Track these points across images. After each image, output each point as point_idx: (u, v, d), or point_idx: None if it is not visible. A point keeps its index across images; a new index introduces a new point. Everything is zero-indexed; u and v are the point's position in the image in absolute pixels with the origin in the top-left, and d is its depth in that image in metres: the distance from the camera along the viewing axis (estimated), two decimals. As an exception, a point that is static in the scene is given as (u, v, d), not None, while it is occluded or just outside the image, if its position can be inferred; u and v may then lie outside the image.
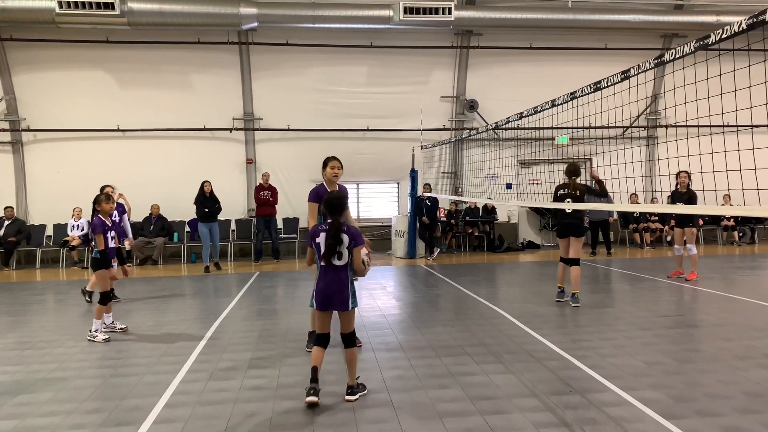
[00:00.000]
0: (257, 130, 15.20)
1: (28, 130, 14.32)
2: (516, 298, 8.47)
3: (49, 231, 14.20)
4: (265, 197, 13.79)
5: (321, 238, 4.29)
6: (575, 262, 7.70)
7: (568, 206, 7.40)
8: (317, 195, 5.39)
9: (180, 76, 14.74)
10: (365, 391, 4.41)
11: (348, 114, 15.38)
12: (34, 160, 14.47)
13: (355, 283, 4.46)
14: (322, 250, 4.26)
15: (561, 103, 7.43)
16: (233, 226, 14.84)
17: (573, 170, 7.71)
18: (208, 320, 7.25)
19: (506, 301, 8.11)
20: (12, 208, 13.80)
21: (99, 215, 6.56)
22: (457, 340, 5.97)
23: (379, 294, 8.99)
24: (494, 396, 4.30)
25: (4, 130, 14.17)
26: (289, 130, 15.20)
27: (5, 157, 14.34)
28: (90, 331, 6.38)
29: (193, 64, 14.71)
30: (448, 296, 8.78)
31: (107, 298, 6.47)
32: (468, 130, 14.75)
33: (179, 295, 9.38)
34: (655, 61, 5.40)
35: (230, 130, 15.03)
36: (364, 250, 4.40)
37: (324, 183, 5.61)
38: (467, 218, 15.72)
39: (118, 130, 14.44)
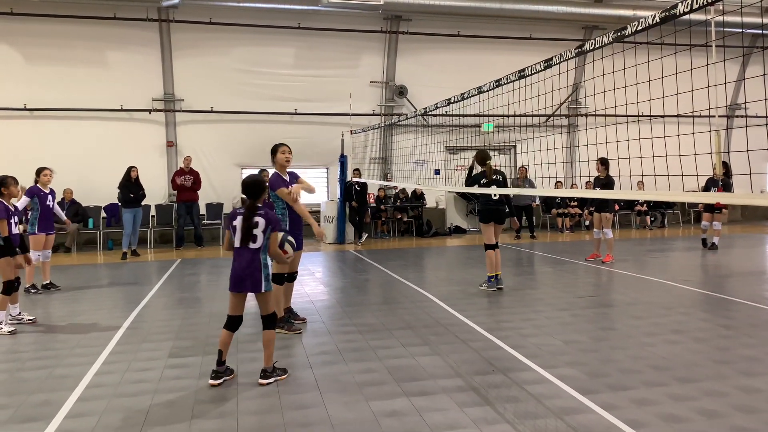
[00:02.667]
0: (178, 111, 14.60)
1: None
2: (443, 281, 8.61)
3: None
4: (183, 182, 13.28)
5: (237, 221, 4.30)
6: (495, 246, 7.74)
7: (495, 191, 7.45)
8: (283, 181, 5.67)
9: (95, 53, 13.89)
10: (284, 375, 4.38)
11: (275, 96, 15.04)
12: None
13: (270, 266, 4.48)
14: (238, 233, 4.28)
15: (487, 90, 7.55)
16: (153, 212, 14.22)
17: (485, 156, 7.69)
18: (127, 309, 6.93)
19: (433, 285, 8.23)
20: None
21: (2, 200, 6.10)
22: (385, 324, 6.00)
23: (308, 280, 8.90)
24: (420, 377, 4.35)
25: None
26: (212, 112, 14.70)
27: None
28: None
29: (108, 40, 13.89)
30: (377, 281, 8.81)
31: (11, 287, 6.03)
32: (397, 116, 14.80)
33: (95, 284, 8.90)
34: (576, 50, 5.58)
35: (149, 111, 14.36)
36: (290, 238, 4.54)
37: (276, 170, 5.76)
38: (397, 203, 15.82)
39: (25, 109, 13.46)
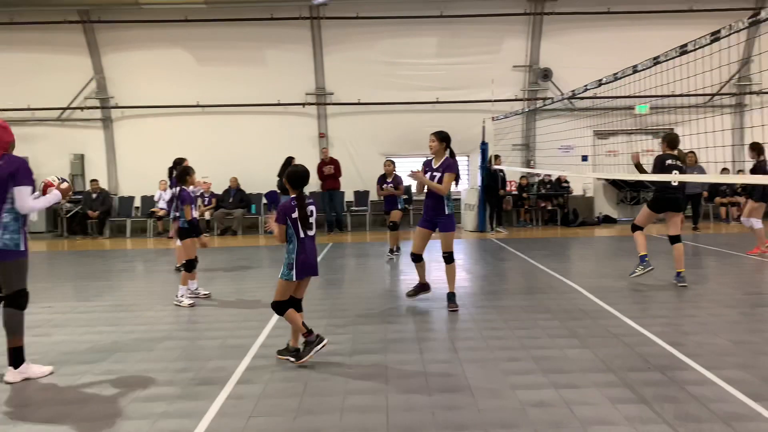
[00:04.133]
0: (329, 104, 15.39)
1: (117, 107, 15.16)
2: (591, 272, 8.26)
3: (137, 203, 15.06)
4: (327, 171, 14.10)
5: (296, 213, 4.52)
6: (677, 239, 7.15)
7: (675, 178, 6.84)
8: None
9: (254, 52, 15.08)
10: (293, 359, 4.51)
11: (417, 86, 15.26)
12: (122, 136, 15.34)
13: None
14: (301, 223, 4.52)
15: (642, 69, 7.07)
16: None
17: (675, 139, 7.13)
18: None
19: (580, 276, 7.93)
20: (97, 181, 14.68)
21: (184, 188, 6.91)
22: (529, 314, 5.92)
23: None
24: (568, 370, 4.25)
25: (95, 108, 15.06)
26: (359, 104, 15.29)
27: (97, 133, 15.27)
28: (176, 296, 6.76)
29: (266, 40, 15.01)
30: (520, 270, 8.68)
31: (192, 265, 6.82)
32: (541, 100, 14.33)
33: (257, 264, 9.77)
34: (750, 20, 5.03)
35: (303, 104, 15.29)
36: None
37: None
38: (541, 191, 15.37)
39: (198, 105, 15.00)
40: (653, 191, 7.30)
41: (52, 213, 15.05)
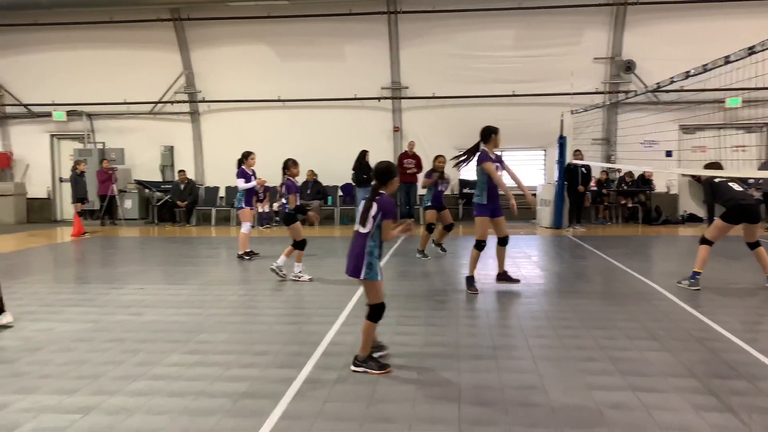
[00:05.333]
0: (403, 98, 15.47)
1: (204, 101, 15.89)
2: (674, 273, 7.90)
3: (222, 192, 15.75)
4: (407, 165, 14.17)
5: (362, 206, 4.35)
6: (757, 244, 6.75)
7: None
8: (489, 157, 6.68)
9: (333, 47, 15.37)
10: (377, 371, 4.15)
11: (493, 79, 15.06)
12: (208, 129, 16.08)
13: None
14: (358, 215, 4.36)
15: (735, 60, 6.68)
16: (378, 192, 15.37)
17: None
18: (358, 279, 7.67)
19: (662, 276, 7.62)
20: (184, 171, 15.46)
21: (290, 178, 7.57)
22: (606, 314, 5.76)
23: (524, 263, 8.87)
24: (647, 373, 4.13)
25: (184, 102, 15.86)
26: (433, 97, 15.27)
27: (185, 126, 16.09)
28: (294, 273, 7.54)
29: (345, 35, 15.26)
30: (597, 268, 8.44)
31: (303, 244, 7.57)
32: (623, 93, 13.78)
33: (333, 254, 10.03)
34: None
35: (378, 99, 15.45)
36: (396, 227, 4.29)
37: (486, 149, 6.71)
38: (622, 187, 14.81)
39: (278, 100, 15.48)
40: (727, 201, 6.71)
41: (145, 202, 16.01)
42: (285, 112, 15.60)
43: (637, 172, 14.56)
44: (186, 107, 15.94)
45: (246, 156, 9.40)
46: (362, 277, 4.19)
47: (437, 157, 9.50)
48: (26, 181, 16.76)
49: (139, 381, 4.07)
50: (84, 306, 6.29)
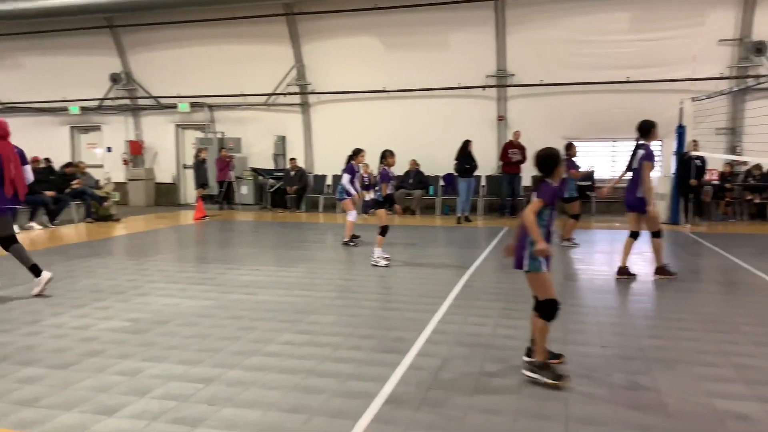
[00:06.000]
0: (509, 86, 15.13)
1: (313, 93, 16.47)
2: (810, 277, 7.20)
3: (329, 181, 16.29)
4: (512, 155, 13.90)
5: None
6: None
7: None
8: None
9: (438, 36, 15.31)
10: (552, 381, 3.75)
11: (604, 65, 14.29)
12: (318, 119, 16.65)
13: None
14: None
15: None
16: (483, 182, 15.21)
17: None
18: (461, 268, 7.67)
19: (796, 280, 6.96)
20: (295, 159, 16.13)
21: (384, 167, 7.98)
22: (729, 316, 5.37)
23: (635, 259, 8.43)
24: (777, 382, 3.82)
25: (295, 93, 16.53)
26: (540, 85, 14.79)
27: (296, 117, 16.77)
28: (373, 257, 7.83)
29: (450, 23, 15.14)
30: (718, 268, 7.87)
31: (386, 230, 7.96)
32: (754, 78, 12.62)
33: (433, 243, 10.10)
34: None
35: (483, 87, 15.22)
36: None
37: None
38: (748, 181, 13.62)
39: (384, 90, 15.70)
40: None
41: (259, 188, 16.92)
42: (389, 102, 15.80)
43: (766, 165, 13.31)
44: (297, 99, 16.59)
45: (356, 153, 9.60)
46: (525, 268, 3.89)
47: (569, 146, 9.61)
48: (155, 167, 18.27)
49: (254, 356, 4.35)
50: (205, 284, 6.79)
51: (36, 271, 6.27)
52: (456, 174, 13.56)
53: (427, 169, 15.26)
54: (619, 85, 14.27)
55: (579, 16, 14.39)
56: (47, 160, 13.92)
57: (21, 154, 6.47)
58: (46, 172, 12.99)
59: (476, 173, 13.63)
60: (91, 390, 3.72)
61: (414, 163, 15.13)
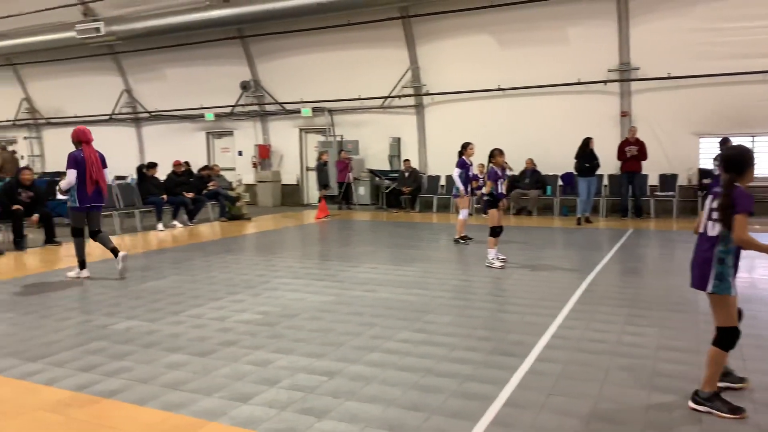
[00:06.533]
0: (633, 80, 14.28)
1: (427, 94, 16.59)
2: None
3: (443, 181, 16.34)
4: (629, 152, 13.15)
5: (708, 201, 3.52)
6: None
7: None
8: None
9: (555, 32, 14.80)
10: (729, 415, 3.32)
11: (744, 54, 12.99)
12: (432, 120, 16.76)
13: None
14: (702, 215, 3.54)
15: None
16: (605, 181, 14.50)
17: None
18: (582, 272, 7.40)
19: None
20: (409, 161, 16.33)
21: (494, 166, 7.91)
22: None
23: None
24: None
25: (409, 96, 16.75)
26: (668, 78, 13.78)
27: (410, 119, 16.99)
28: (488, 259, 7.79)
29: (569, 17, 14.57)
30: None
31: (497, 232, 7.80)
32: None
33: (551, 246, 9.80)
34: None
35: (605, 82, 14.50)
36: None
37: None
38: None
39: (498, 89, 15.47)
40: None
41: (375, 189, 17.36)
42: (504, 100, 15.52)
43: None
44: (411, 101, 16.79)
45: (465, 146, 9.86)
46: (709, 290, 3.38)
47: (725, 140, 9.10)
48: (281, 169, 19.34)
49: (374, 353, 4.51)
50: (327, 280, 7.12)
51: (115, 252, 7.41)
52: (576, 173, 13.06)
53: (545, 169, 14.82)
54: (760, 76, 12.96)
55: (712, 2, 13.25)
56: (187, 163, 15.21)
57: (102, 159, 7.43)
58: (186, 175, 14.25)
59: (598, 172, 13.02)
60: (228, 377, 4.05)
61: (530, 162, 14.75)
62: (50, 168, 21.72)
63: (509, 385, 3.83)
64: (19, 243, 9.89)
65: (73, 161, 7.13)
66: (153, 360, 4.42)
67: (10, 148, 21.25)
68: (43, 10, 18.51)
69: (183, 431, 3.30)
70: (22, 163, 18.86)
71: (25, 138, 23.15)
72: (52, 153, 22.85)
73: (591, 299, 6.03)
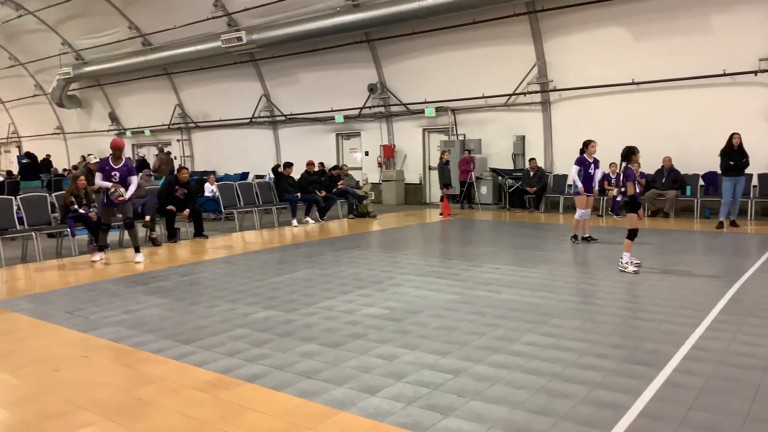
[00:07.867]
0: (791, 68, 12.80)
1: (554, 90, 16.03)
2: None
3: (570, 181, 15.68)
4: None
5: None
6: None
7: None
8: None
9: (697, 20, 13.63)
10: None
11: None
12: (558, 117, 16.18)
13: None
14: None
15: None
16: (755, 181, 13.13)
17: None
18: (727, 279, 6.82)
19: None
20: (535, 159, 15.85)
21: (629, 166, 7.53)
22: None
23: None
24: None
25: (535, 92, 16.31)
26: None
27: (536, 116, 16.53)
28: (621, 262, 7.44)
29: (712, 4, 13.34)
30: None
31: (634, 234, 7.38)
32: None
33: (690, 250, 9.11)
34: None
35: (755, 72, 13.13)
36: None
37: None
38: None
39: (633, 83, 14.58)
40: None
41: (498, 188, 17.12)
42: (638, 95, 14.58)
43: None
44: (537, 97, 16.33)
45: (587, 144, 9.61)
46: None
47: None
48: (404, 168, 19.69)
49: (499, 354, 4.49)
50: (450, 279, 7.17)
51: (137, 249, 8.94)
52: (720, 172, 11.96)
53: (684, 167, 13.73)
54: None
55: None
56: (321, 164, 15.99)
57: (132, 169, 9.10)
58: (318, 175, 15.06)
59: (747, 171, 11.82)
60: (357, 369, 4.25)
61: (668, 160, 13.73)
62: (198, 167, 23.83)
63: (644, 396, 3.65)
64: (173, 236, 10.99)
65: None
66: (289, 348, 4.73)
67: (166, 149, 23.54)
68: (194, 23, 20.37)
69: (317, 418, 3.51)
70: (175, 164, 20.90)
71: (177, 140, 25.57)
72: (200, 154, 25.06)
73: (738, 309, 5.55)
